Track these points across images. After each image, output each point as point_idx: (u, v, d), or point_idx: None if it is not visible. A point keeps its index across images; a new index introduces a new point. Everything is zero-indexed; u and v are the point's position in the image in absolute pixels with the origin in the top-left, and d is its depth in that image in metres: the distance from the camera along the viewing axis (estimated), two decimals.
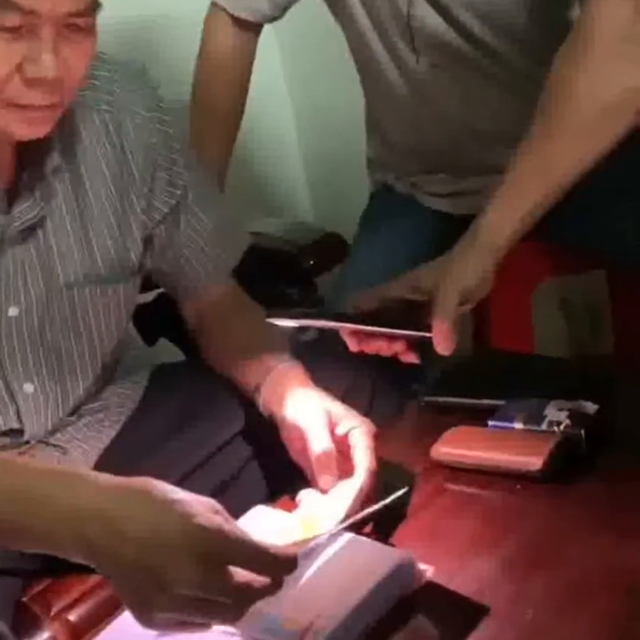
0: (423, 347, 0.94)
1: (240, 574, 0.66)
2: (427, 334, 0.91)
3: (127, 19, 1.49)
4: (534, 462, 0.87)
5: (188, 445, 1.04)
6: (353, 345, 0.95)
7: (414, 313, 0.94)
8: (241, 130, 1.45)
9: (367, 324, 0.92)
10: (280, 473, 0.97)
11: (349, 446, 0.89)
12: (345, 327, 0.93)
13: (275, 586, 0.68)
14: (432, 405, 1.04)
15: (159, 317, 1.32)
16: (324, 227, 1.51)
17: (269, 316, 0.94)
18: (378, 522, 0.82)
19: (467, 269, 0.95)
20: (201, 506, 0.67)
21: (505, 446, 0.90)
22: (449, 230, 1.34)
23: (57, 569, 1.01)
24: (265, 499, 0.95)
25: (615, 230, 1.24)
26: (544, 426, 0.91)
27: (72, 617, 1.00)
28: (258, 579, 0.66)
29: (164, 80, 1.07)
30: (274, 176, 1.94)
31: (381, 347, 0.94)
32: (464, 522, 0.85)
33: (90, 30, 0.85)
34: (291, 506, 0.88)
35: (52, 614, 0.99)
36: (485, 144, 1.29)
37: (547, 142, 0.97)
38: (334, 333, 0.96)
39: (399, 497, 0.81)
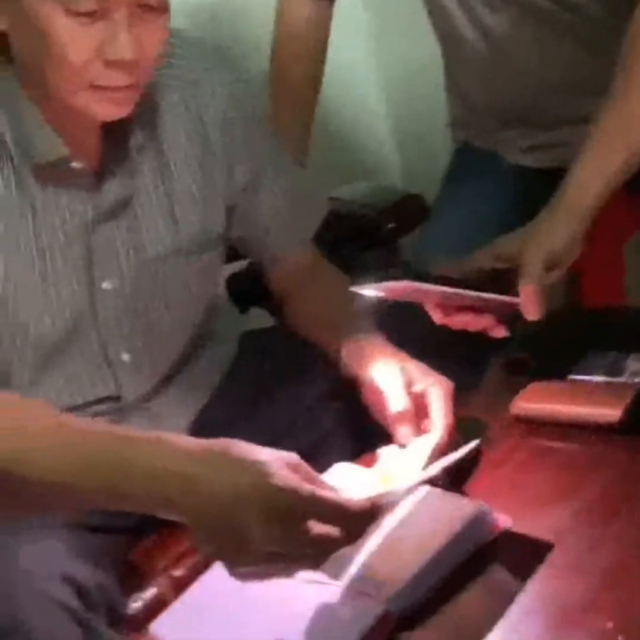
0: (513, 319, 0.93)
1: (319, 526, 0.69)
2: (515, 299, 0.90)
3: None
4: (612, 413, 0.87)
5: (277, 408, 1.07)
6: (438, 318, 0.94)
7: (499, 282, 0.93)
8: (328, 94, 1.46)
9: (452, 287, 0.90)
10: (366, 432, 0.99)
11: (426, 404, 0.91)
12: (431, 290, 0.92)
13: (353, 537, 0.70)
14: (516, 361, 1.04)
15: (251, 285, 1.36)
16: (408, 189, 1.51)
17: (354, 285, 0.94)
18: (450, 474, 0.84)
19: (555, 231, 0.94)
20: (278, 464, 0.70)
21: (584, 399, 0.90)
22: (530, 185, 1.33)
23: (162, 525, 1.06)
24: (351, 458, 0.98)
25: None
26: (624, 378, 0.91)
27: (177, 572, 1.04)
28: (336, 530, 0.69)
29: (244, 52, 1.08)
30: (362, 139, 1.94)
31: (468, 321, 0.93)
32: (541, 474, 0.86)
33: (163, 9, 0.87)
34: (372, 463, 0.91)
35: (157, 569, 1.04)
36: (562, 97, 1.28)
37: (629, 100, 0.95)
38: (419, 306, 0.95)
39: (470, 450, 0.83)
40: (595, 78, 1.24)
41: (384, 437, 0.94)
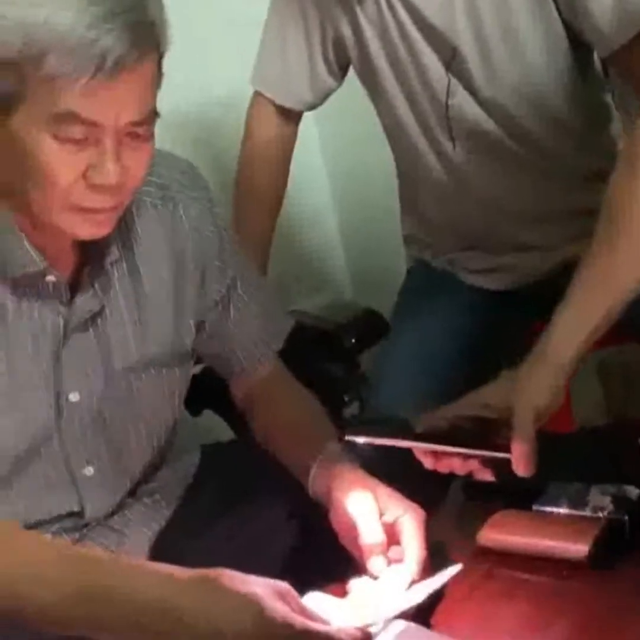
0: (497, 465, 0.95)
1: None
2: (506, 455, 0.92)
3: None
4: (580, 548, 0.89)
5: (238, 526, 1.05)
6: (428, 463, 0.97)
7: (485, 430, 0.96)
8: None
9: (445, 444, 0.94)
10: (329, 558, 0.98)
11: (397, 532, 0.91)
12: (425, 448, 0.95)
13: None
14: (476, 488, 1.06)
15: (204, 390, 1.36)
16: (363, 303, 1.54)
17: (347, 434, 0.96)
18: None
19: (539, 388, 0.95)
20: (271, 597, 0.70)
21: (551, 531, 0.92)
22: (486, 305, 1.38)
23: None
24: (315, 582, 0.96)
25: None
26: (588, 511, 0.94)
27: None
28: None
29: (205, 167, 1.11)
30: (311, 253, 1.97)
31: (456, 465, 0.96)
32: (512, 607, 0.86)
33: (149, 137, 0.90)
34: (342, 593, 0.89)
35: None
36: (520, 224, 1.34)
37: (608, 259, 0.97)
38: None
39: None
40: (555, 207, 1.31)
41: (349, 563, 0.94)
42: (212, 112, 1.74)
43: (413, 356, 1.30)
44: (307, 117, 1.82)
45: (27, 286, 0.94)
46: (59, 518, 1.01)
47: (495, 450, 0.93)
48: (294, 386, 1.17)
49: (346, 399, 1.37)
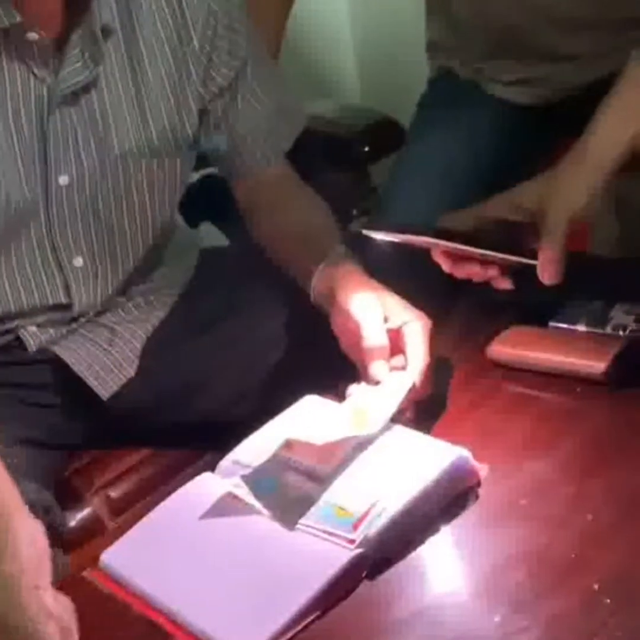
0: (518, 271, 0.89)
1: None
2: (532, 261, 0.85)
3: None
4: (597, 365, 0.83)
5: (235, 332, 1.01)
6: (446, 266, 0.90)
7: (512, 235, 0.89)
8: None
9: (470, 245, 0.86)
10: (323, 368, 0.92)
11: (401, 340, 0.85)
12: (446, 246, 0.88)
13: None
14: (488, 302, 1.00)
15: (203, 200, 1.29)
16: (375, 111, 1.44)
17: (365, 228, 0.89)
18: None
19: (576, 190, 0.88)
20: None
21: (566, 347, 0.87)
22: (515, 121, 1.29)
23: (99, 445, 1.01)
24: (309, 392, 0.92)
25: None
26: (608, 329, 0.88)
27: (113, 493, 1.01)
28: None
29: None
30: (321, 55, 1.84)
31: (475, 272, 0.89)
32: (520, 422, 0.82)
33: None
34: (340, 399, 0.85)
35: (93, 489, 1.00)
36: (557, 30, 1.23)
37: None
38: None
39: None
40: (595, 16, 1.20)
41: (344, 375, 0.89)
42: None
43: (431, 168, 1.22)
44: None
45: (6, 48, 0.86)
46: (46, 309, 0.97)
47: (521, 256, 0.86)
48: (302, 190, 1.09)
49: (354, 212, 1.30)
